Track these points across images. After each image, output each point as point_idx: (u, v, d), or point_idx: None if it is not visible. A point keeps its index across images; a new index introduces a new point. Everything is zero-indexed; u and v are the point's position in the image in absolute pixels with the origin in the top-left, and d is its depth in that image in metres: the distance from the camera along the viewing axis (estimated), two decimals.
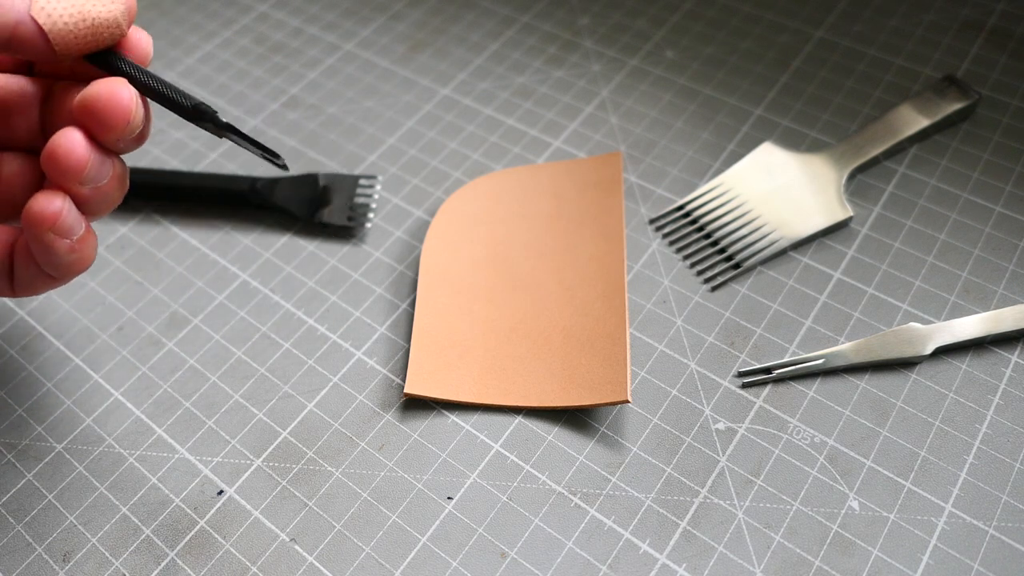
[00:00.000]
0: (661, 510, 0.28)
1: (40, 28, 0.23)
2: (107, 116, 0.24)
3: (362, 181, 0.37)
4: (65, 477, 0.30)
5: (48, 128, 0.27)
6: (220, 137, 0.26)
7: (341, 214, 0.36)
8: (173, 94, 0.25)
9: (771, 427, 0.29)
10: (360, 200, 0.36)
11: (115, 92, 0.24)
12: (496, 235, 0.35)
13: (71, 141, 0.24)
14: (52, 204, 0.24)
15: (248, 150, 0.26)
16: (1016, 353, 0.31)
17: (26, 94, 0.27)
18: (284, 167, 0.26)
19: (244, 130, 0.40)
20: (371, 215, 0.36)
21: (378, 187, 0.37)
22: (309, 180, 0.37)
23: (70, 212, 0.24)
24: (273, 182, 0.36)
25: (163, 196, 0.37)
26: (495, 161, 0.38)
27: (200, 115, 0.25)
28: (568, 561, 0.27)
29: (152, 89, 0.25)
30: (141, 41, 0.26)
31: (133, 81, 0.25)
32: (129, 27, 0.25)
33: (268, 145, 0.40)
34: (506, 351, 0.31)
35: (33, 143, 0.28)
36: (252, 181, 0.36)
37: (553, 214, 0.35)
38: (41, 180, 0.28)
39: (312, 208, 0.36)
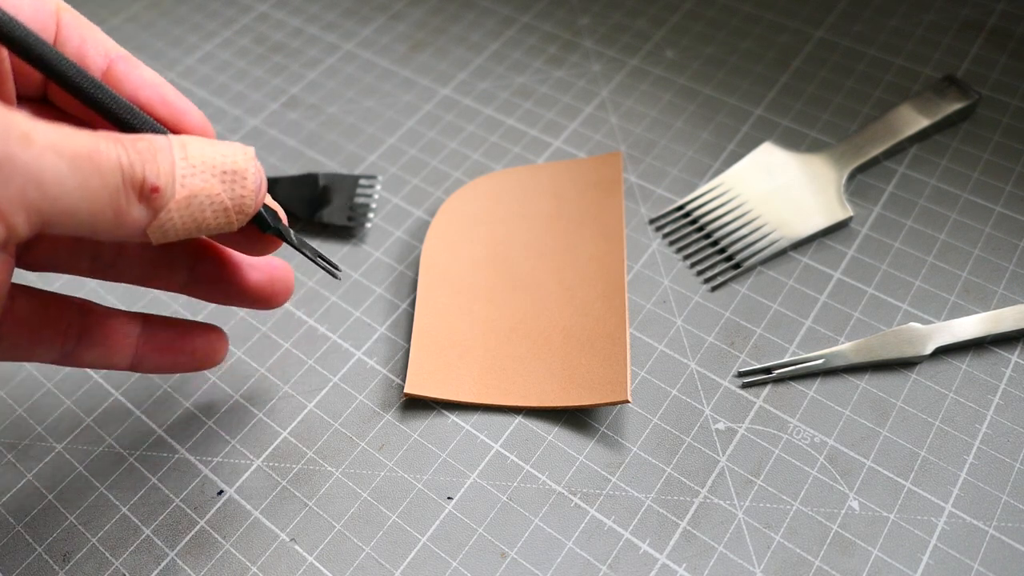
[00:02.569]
0: (661, 510, 0.28)
1: (146, 235, 0.21)
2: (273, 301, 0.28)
3: (362, 181, 0.37)
4: (65, 477, 0.30)
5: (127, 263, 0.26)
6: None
7: (341, 214, 0.36)
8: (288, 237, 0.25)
9: (771, 427, 0.29)
10: (360, 200, 0.36)
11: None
12: (496, 235, 0.35)
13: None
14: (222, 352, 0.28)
15: (307, 257, 0.27)
16: (1016, 353, 0.31)
17: None
18: (337, 277, 0.27)
19: (244, 133, 0.41)
20: (371, 215, 0.36)
21: (378, 187, 0.37)
22: (309, 180, 0.37)
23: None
24: (273, 182, 0.36)
25: None
26: (495, 161, 0.38)
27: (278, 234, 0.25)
28: (568, 561, 0.27)
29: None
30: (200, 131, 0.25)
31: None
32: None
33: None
34: (506, 351, 0.31)
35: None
36: None
37: (553, 214, 0.35)
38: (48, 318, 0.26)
39: (312, 208, 0.36)
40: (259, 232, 0.24)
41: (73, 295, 0.25)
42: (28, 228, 0.18)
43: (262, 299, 0.27)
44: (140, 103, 0.23)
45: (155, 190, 0.20)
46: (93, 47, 0.23)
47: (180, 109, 0.24)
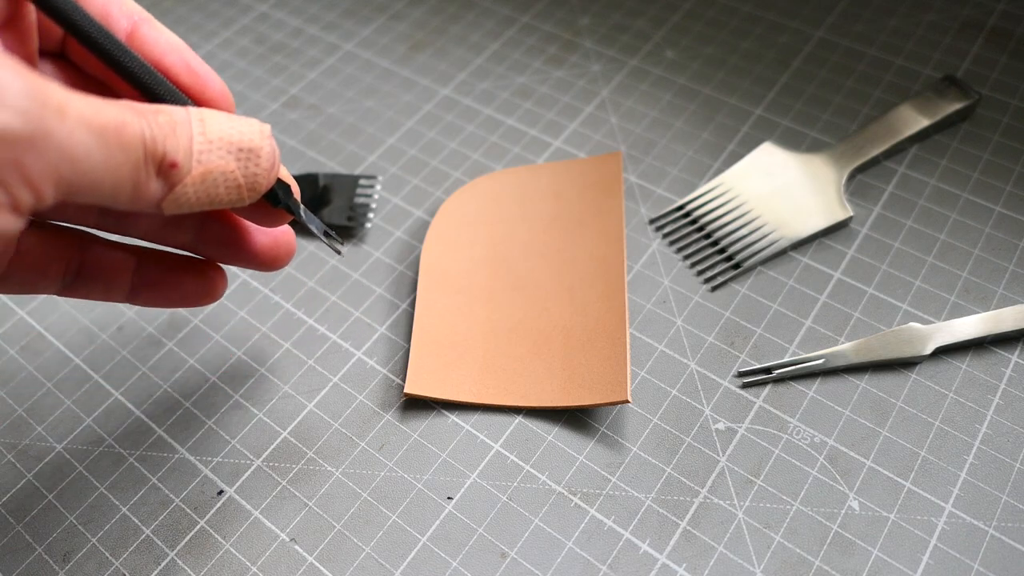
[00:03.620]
0: (661, 510, 0.28)
1: (160, 207, 0.21)
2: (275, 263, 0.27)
3: (362, 181, 0.37)
4: (65, 477, 0.30)
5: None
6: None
7: (341, 214, 0.36)
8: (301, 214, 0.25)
9: (771, 427, 0.29)
10: (360, 200, 0.36)
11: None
12: (496, 235, 0.35)
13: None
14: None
15: (311, 230, 0.26)
16: (1016, 353, 0.31)
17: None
18: (340, 252, 0.27)
19: None
20: (371, 215, 0.36)
21: (378, 187, 0.37)
22: (309, 180, 0.37)
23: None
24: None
25: None
26: (495, 161, 0.38)
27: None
28: (568, 561, 0.27)
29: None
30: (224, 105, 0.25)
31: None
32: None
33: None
34: (506, 351, 0.31)
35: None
36: None
37: (553, 214, 0.35)
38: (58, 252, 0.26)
39: (312, 208, 0.36)
40: (270, 206, 0.24)
41: (74, 227, 0.25)
42: (54, 198, 0.18)
43: (266, 262, 0.27)
44: (163, 68, 0.23)
45: (173, 165, 0.20)
46: (117, 7, 0.23)
47: (202, 76, 0.24)
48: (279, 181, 0.24)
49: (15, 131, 0.17)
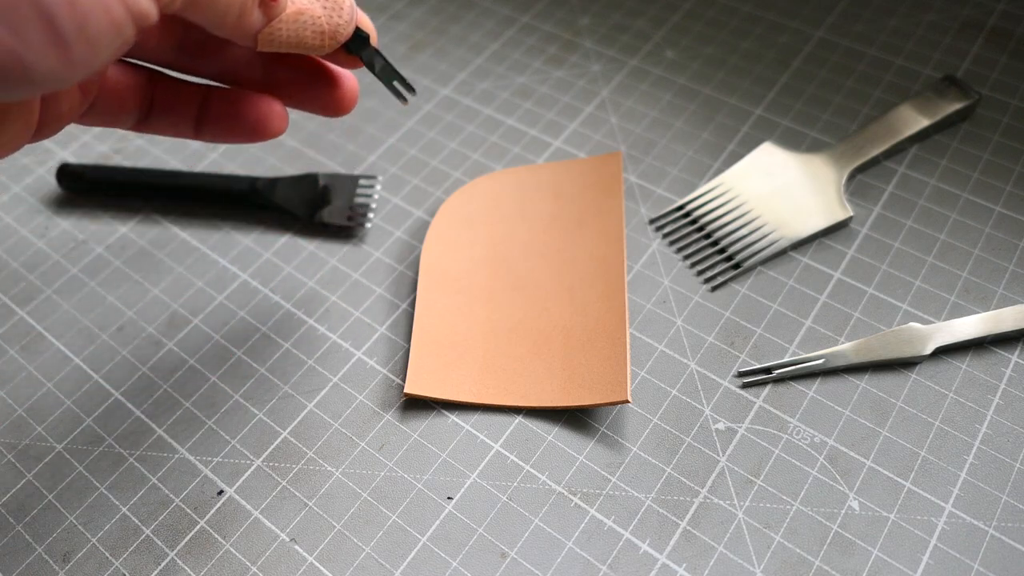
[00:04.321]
0: (661, 510, 0.28)
1: (255, 39, 0.24)
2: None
3: (362, 181, 0.37)
4: (65, 477, 0.30)
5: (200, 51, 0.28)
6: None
7: (341, 214, 0.36)
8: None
9: (771, 427, 0.29)
10: (360, 200, 0.36)
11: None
12: (496, 235, 0.35)
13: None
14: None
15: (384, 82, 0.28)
16: (1016, 353, 0.31)
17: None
18: (405, 100, 0.28)
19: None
20: (371, 215, 0.36)
21: (378, 187, 0.37)
22: (309, 180, 0.37)
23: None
24: (273, 182, 0.36)
25: (163, 196, 0.37)
26: (495, 161, 0.38)
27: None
28: (568, 561, 0.27)
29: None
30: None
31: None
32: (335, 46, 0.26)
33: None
34: (506, 351, 0.31)
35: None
36: (252, 181, 0.36)
37: (553, 214, 0.35)
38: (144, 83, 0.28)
39: (312, 208, 0.36)
40: (346, 53, 0.26)
41: (150, 65, 0.27)
42: (179, 6, 0.20)
43: (330, 105, 0.28)
44: None
45: (275, 0, 0.23)
46: None
47: None
48: (357, 30, 0.26)
49: None
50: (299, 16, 0.24)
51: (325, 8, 0.24)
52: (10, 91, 0.18)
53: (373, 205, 0.36)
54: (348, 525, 0.28)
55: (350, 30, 0.25)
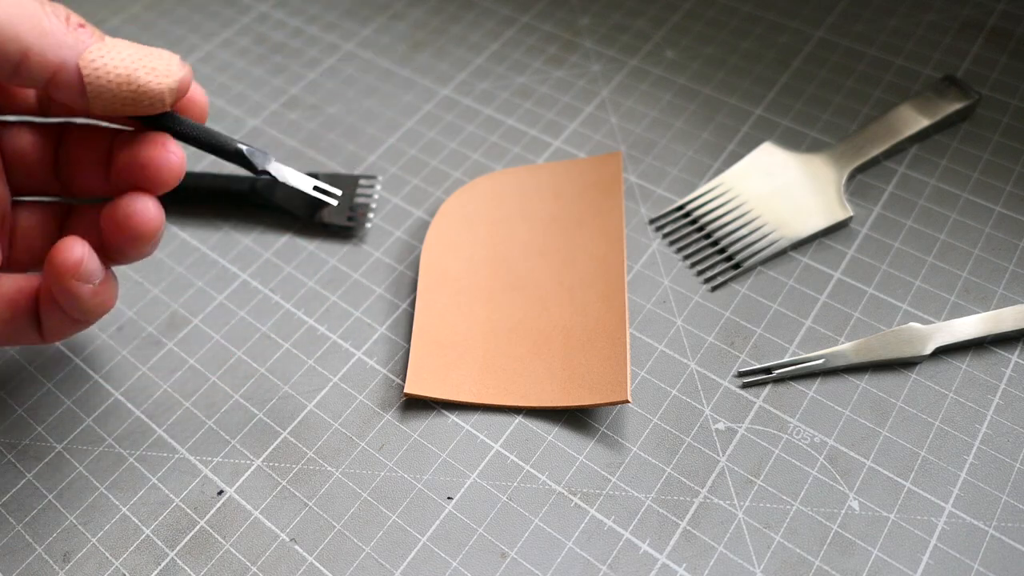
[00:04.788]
0: (661, 510, 0.28)
1: (81, 79, 0.22)
2: (159, 176, 0.25)
3: (362, 181, 0.37)
4: (65, 477, 0.30)
5: (64, 172, 0.27)
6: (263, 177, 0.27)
7: (341, 214, 0.36)
8: (215, 141, 0.26)
9: (771, 427, 0.29)
10: (360, 200, 0.36)
11: (164, 156, 0.25)
12: (496, 235, 0.35)
13: (146, 207, 0.25)
14: (74, 252, 0.24)
15: (298, 189, 0.28)
16: (1016, 353, 0.31)
17: (42, 139, 0.27)
18: (335, 200, 0.28)
19: (244, 133, 0.41)
20: (371, 215, 0.36)
21: (378, 187, 0.37)
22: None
23: (91, 259, 0.25)
24: (272, 182, 0.36)
25: (163, 196, 0.37)
26: (495, 161, 0.38)
27: (241, 159, 0.26)
28: (568, 561, 0.27)
29: (193, 139, 0.26)
30: (195, 103, 0.26)
31: (172, 132, 0.25)
32: (176, 102, 0.25)
33: (279, 155, 0.40)
34: (506, 351, 0.31)
35: (47, 189, 0.28)
36: (252, 181, 0.36)
37: (553, 214, 0.35)
38: (58, 229, 0.28)
39: (312, 207, 0.36)
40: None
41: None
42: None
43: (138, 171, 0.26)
44: None
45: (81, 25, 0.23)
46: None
47: None
48: (173, 115, 0.25)
49: None
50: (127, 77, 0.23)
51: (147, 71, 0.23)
52: None
53: (373, 205, 0.36)
54: (348, 525, 0.28)
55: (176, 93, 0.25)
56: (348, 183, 0.37)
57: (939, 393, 0.30)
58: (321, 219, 0.36)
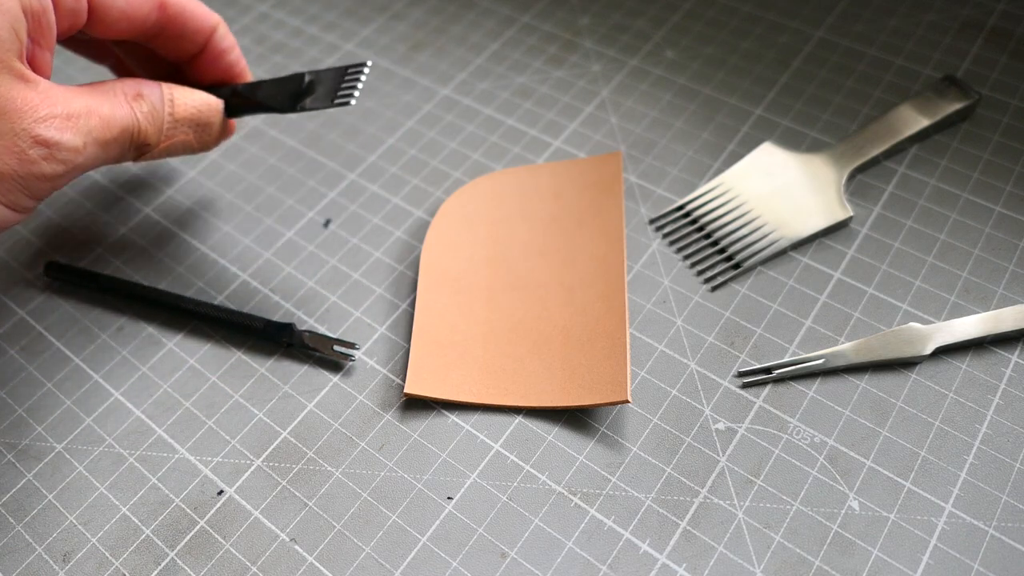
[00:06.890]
0: (661, 510, 0.28)
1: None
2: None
3: (351, 70, 0.33)
4: (65, 477, 0.30)
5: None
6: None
7: (326, 99, 0.32)
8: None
9: (771, 427, 0.29)
10: (347, 86, 0.32)
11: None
12: (496, 235, 0.35)
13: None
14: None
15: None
16: (1016, 353, 0.31)
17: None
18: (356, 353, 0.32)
19: (244, 133, 0.40)
20: (357, 93, 0.32)
21: (366, 70, 0.33)
22: (295, 78, 0.33)
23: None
24: (255, 86, 0.33)
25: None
26: (495, 161, 0.38)
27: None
28: (568, 561, 0.27)
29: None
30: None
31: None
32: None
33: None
34: (506, 351, 0.31)
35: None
36: (233, 87, 0.33)
37: (553, 214, 0.35)
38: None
39: (294, 99, 0.32)
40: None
41: None
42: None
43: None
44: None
45: (147, 145, 0.29)
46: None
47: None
48: None
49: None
50: (170, 147, 0.30)
51: (196, 131, 0.31)
52: None
53: (360, 85, 0.32)
54: (348, 525, 0.28)
55: (219, 141, 0.33)
56: (335, 74, 0.33)
57: (939, 393, 0.30)
58: (304, 107, 0.32)
